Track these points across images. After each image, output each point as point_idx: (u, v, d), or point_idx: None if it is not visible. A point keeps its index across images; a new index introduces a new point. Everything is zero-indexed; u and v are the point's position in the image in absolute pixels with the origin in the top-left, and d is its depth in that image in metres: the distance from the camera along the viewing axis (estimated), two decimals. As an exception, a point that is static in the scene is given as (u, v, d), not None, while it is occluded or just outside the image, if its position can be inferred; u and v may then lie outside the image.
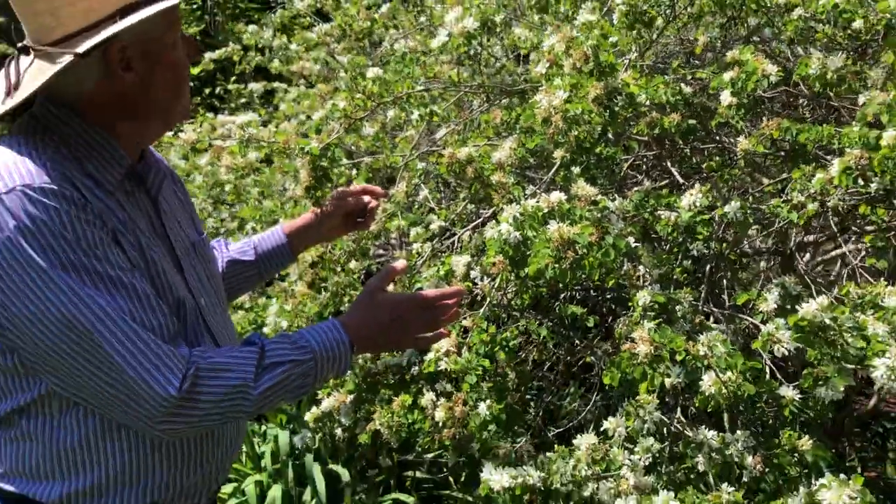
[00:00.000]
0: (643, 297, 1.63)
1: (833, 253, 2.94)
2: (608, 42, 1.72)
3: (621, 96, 1.66)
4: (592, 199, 1.78)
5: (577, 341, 2.27)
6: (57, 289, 1.09)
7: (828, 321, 1.40)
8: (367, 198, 1.65)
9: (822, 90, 1.80)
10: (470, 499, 2.92)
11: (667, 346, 1.52)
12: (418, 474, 3.21)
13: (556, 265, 1.55)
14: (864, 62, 1.91)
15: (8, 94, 1.20)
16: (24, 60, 1.21)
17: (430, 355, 1.63)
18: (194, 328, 1.30)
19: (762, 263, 3.03)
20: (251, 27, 3.89)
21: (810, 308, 1.41)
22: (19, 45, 1.26)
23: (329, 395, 1.89)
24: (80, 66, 1.18)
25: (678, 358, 1.52)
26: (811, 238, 2.38)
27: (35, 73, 1.18)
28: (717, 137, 2.38)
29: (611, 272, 1.77)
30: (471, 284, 1.90)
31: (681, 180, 2.45)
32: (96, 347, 1.11)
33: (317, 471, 2.88)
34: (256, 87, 4.26)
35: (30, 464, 1.21)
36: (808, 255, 2.66)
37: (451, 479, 3.27)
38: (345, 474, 2.89)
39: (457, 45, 1.88)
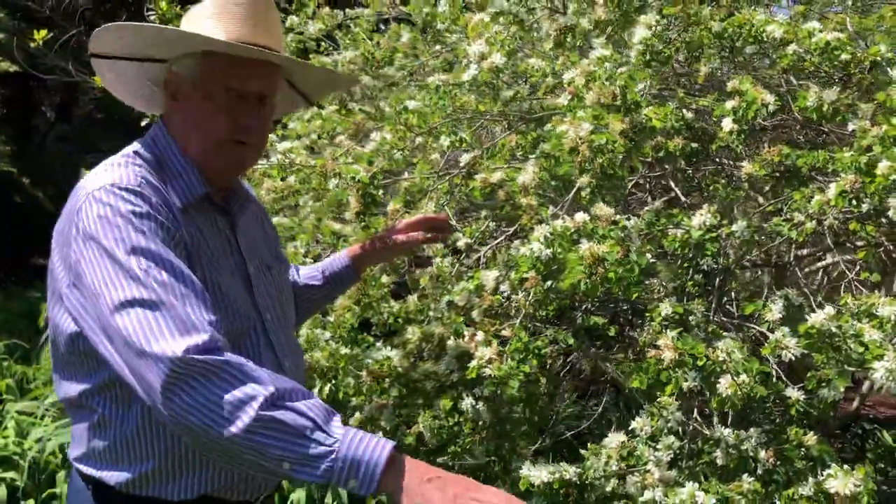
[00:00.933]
0: (665, 309, 1.81)
1: (818, 265, 3.16)
2: (634, 83, 1.90)
3: (645, 130, 1.85)
4: (612, 219, 1.96)
5: (593, 349, 2.44)
6: (120, 270, 1.21)
7: (833, 329, 1.59)
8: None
9: (819, 120, 2.00)
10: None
11: (688, 353, 1.70)
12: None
13: (588, 280, 1.73)
14: (850, 89, 2.11)
15: None
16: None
17: (474, 363, 1.79)
18: (254, 341, 1.42)
19: (748, 273, 3.24)
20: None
21: (819, 317, 1.60)
22: None
23: (369, 401, 2.05)
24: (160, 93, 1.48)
25: (699, 364, 1.69)
26: (803, 252, 2.59)
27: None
28: (717, 159, 2.57)
29: (630, 286, 1.95)
30: (501, 297, 2.06)
31: (682, 198, 2.65)
32: (135, 317, 1.19)
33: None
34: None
35: (102, 448, 1.34)
36: (795, 267, 2.86)
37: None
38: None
39: (486, 79, 2.05)
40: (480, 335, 1.79)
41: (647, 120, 1.87)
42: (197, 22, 1.42)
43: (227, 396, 1.14)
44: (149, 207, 1.28)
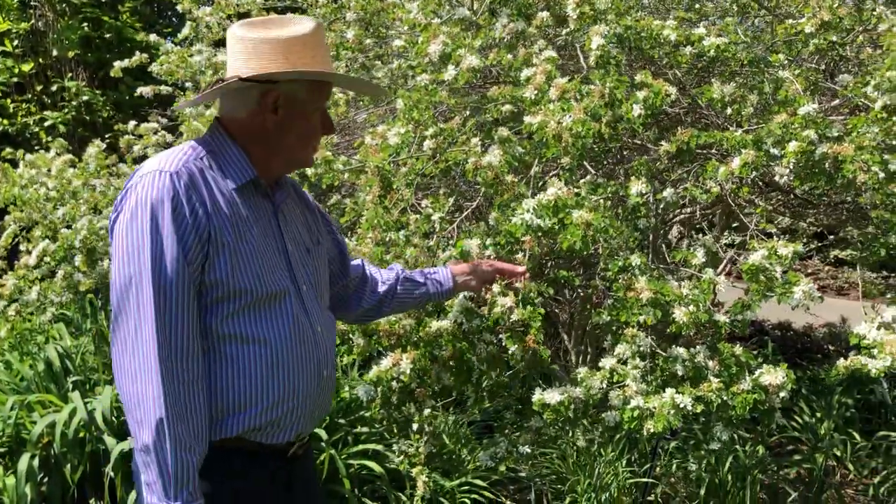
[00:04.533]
0: (636, 260, 2.31)
1: (680, 217, 3.86)
2: (623, 85, 2.37)
3: (622, 121, 2.33)
4: (576, 191, 2.44)
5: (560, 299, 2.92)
6: (140, 249, 1.54)
7: (767, 265, 2.17)
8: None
9: (721, 107, 2.58)
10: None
11: (660, 292, 2.22)
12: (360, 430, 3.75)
13: (582, 241, 2.20)
14: (738, 85, 2.72)
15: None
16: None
17: (497, 309, 2.18)
18: (290, 304, 1.72)
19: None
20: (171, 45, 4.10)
21: (757, 257, 2.18)
22: (219, 76, 1.74)
23: (385, 355, 2.40)
24: (244, 97, 1.71)
25: (667, 300, 2.22)
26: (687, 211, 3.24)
27: (217, 91, 1.74)
28: (619, 139, 3.13)
29: (596, 242, 2.45)
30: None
31: (592, 171, 3.19)
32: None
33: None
34: (146, 90, 4.44)
35: None
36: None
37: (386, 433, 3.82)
38: (322, 434, 3.36)
39: (466, 79, 2.45)
40: (496, 287, 2.18)
41: (626, 112, 2.35)
42: (295, 52, 1.68)
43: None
44: (178, 190, 1.57)
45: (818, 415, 4.85)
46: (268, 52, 1.68)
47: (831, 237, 5.35)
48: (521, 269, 2.14)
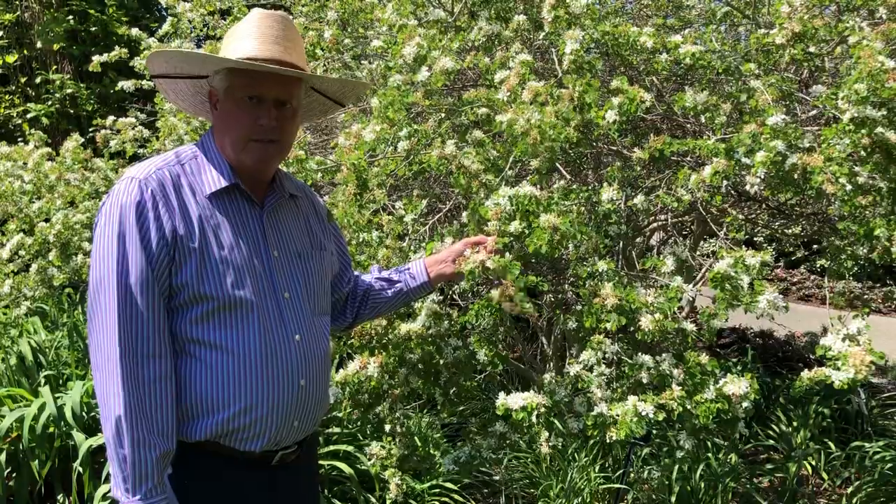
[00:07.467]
0: (602, 266, 2.31)
1: (653, 225, 3.86)
2: (593, 89, 2.36)
3: (594, 126, 2.33)
4: (548, 194, 2.43)
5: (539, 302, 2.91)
6: (107, 252, 1.58)
7: (732, 273, 2.17)
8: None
9: (694, 115, 2.58)
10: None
11: (626, 299, 2.21)
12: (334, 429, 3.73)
13: (548, 245, 2.19)
14: (714, 93, 2.72)
15: None
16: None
17: (468, 266, 2.12)
18: (258, 313, 1.69)
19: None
20: (152, 41, 4.08)
21: (723, 265, 2.17)
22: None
23: (352, 358, 2.39)
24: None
25: (633, 307, 2.21)
26: (662, 218, 3.23)
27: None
28: (594, 144, 3.13)
29: (564, 247, 2.44)
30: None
31: (567, 176, 3.19)
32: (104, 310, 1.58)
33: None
34: (128, 84, 4.41)
35: None
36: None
37: (359, 434, 3.81)
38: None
39: (440, 81, 2.44)
40: (468, 251, 2.15)
41: (596, 117, 2.35)
42: (232, 42, 1.74)
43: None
44: (147, 198, 1.61)
45: (794, 424, 4.86)
46: (224, 43, 1.78)
47: (815, 247, 5.36)
48: (490, 238, 2.12)
